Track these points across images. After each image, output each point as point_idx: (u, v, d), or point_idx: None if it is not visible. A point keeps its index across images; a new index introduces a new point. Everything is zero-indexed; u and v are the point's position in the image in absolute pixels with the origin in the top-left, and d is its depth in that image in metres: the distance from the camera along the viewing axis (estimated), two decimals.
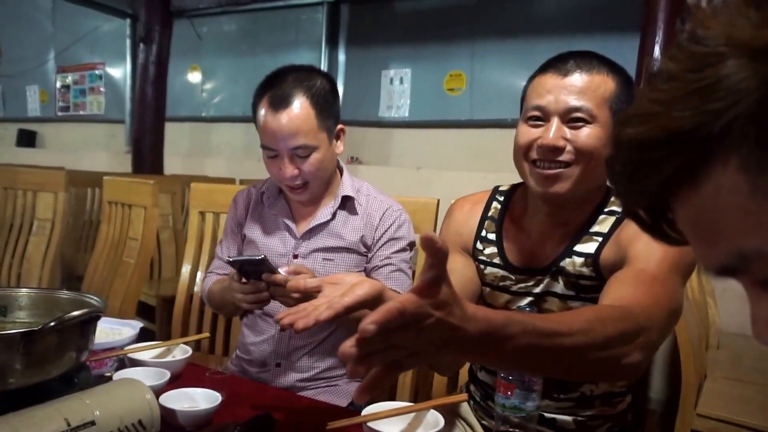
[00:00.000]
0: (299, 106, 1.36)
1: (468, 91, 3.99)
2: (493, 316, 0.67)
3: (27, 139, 6.08)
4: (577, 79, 1.05)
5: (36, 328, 0.83)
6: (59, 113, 5.97)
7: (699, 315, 2.28)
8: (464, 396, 1.13)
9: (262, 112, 1.38)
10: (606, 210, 1.12)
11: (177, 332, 2.02)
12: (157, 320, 3.01)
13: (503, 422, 0.92)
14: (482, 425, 1.25)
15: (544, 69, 1.09)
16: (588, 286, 1.09)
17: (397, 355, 0.62)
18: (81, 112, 5.83)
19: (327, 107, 1.40)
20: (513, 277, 1.16)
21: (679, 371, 1.91)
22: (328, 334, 1.49)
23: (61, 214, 2.68)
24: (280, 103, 1.35)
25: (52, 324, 0.84)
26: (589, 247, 1.10)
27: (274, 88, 1.37)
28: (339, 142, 1.47)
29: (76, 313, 0.87)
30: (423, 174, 3.97)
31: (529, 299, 1.15)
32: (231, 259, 1.16)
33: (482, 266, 1.22)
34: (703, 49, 0.40)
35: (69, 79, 5.82)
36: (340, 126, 1.47)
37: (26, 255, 2.69)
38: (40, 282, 2.55)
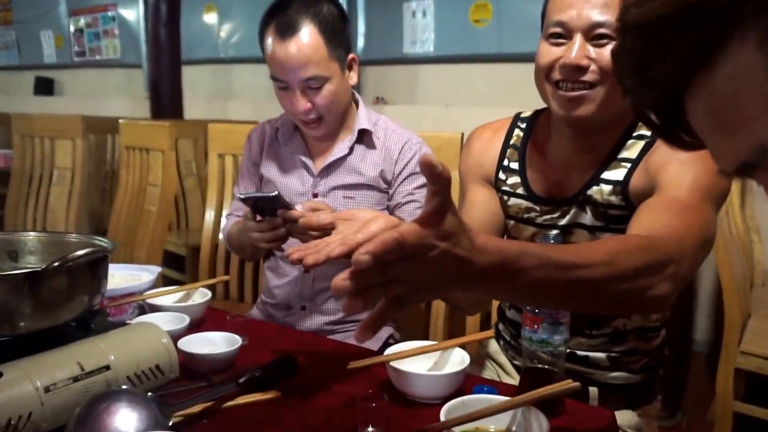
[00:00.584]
0: (307, 34, 1.31)
1: (495, 22, 3.84)
2: (505, 247, 0.63)
3: (45, 87, 6.10)
4: None
5: (39, 269, 0.82)
6: (75, 59, 5.95)
7: (743, 252, 2.21)
8: (490, 333, 1.11)
9: (268, 41, 1.33)
10: (635, 134, 1.06)
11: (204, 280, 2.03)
12: (187, 270, 3.03)
13: (531, 358, 0.89)
14: (513, 365, 1.23)
15: None
16: (617, 215, 1.05)
17: (398, 290, 0.59)
18: (97, 57, 5.81)
19: (336, 34, 1.35)
20: (538, 209, 1.13)
21: (723, 311, 1.87)
22: None
23: (81, 162, 2.68)
24: (287, 31, 1.30)
25: (56, 264, 0.83)
26: (617, 174, 1.05)
27: (280, 15, 1.32)
28: (352, 72, 1.43)
29: (79, 252, 0.86)
30: (451, 112, 3.88)
31: (555, 231, 1.11)
32: (243, 196, 1.14)
33: (505, 197, 1.18)
34: None
35: (82, 22, 5.77)
36: (351, 55, 1.42)
37: (49, 206, 2.72)
38: None
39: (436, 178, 0.57)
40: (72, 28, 5.87)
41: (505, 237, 1.22)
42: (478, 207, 1.20)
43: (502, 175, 1.19)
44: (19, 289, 0.82)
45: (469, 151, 1.25)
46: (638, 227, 0.90)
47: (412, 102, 4.23)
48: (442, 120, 3.87)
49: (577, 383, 0.82)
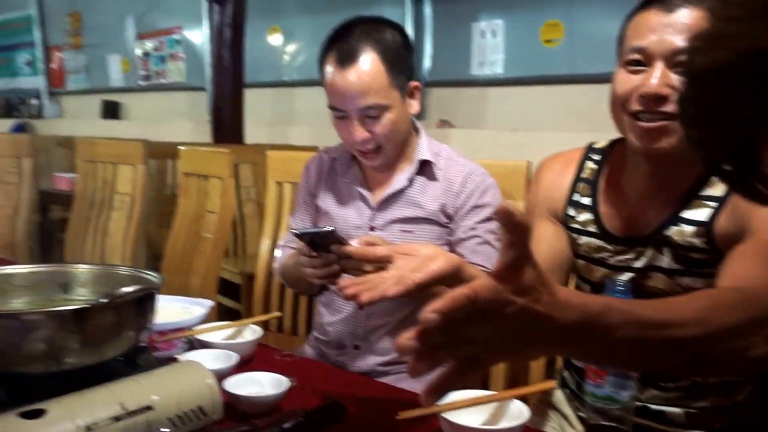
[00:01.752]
0: (369, 62, 1.32)
1: (567, 42, 3.80)
2: (589, 303, 0.60)
3: (111, 111, 6.39)
4: (685, 15, 0.95)
5: (87, 306, 0.85)
6: (140, 82, 6.22)
7: None
8: (552, 383, 1.08)
9: (328, 69, 1.35)
10: None
11: (258, 312, 2.06)
12: (242, 299, 3.09)
13: (596, 414, 0.86)
14: (578, 417, 1.19)
15: (645, 4, 1.00)
16: (700, 259, 1.00)
17: (471, 350, 0.56)
18: (162, 81, 6.05)
19: (398, 62, 1.35)
20: (611, 248, 1.09)
21: None
22: (408, 313, 1.46)
23: (141, 188, 2.78)
24: (347, 59, 1.32)
25: (105, 300, 0.85)
26: (700, 213, 1.00)
27: (341, 42, 1.34)
28: (413, 100, 1.43)
29: (127, 289, 0.88)
30: (519, 136, 3.84)
31: (627, 276, 1.07)
32: (298, 232, 1.15)
33: (575, 235, 1.15)
34: None
35: (149, 45, 6.04)
36: (414, 83, 1.42)
37: (108, 231, 2.83)
38: (122, 260, 2.66)
39: (514, 228, 0.54)
40: (139, 52, 6.14)
41: (576, 279, 1.19)
42: (546, 244, 1.18)
43: (572, 211, 1.16)
44: (66, 325, 0.85)
45: (538, 184, 1.23)
46: (729, 278, 0.85)
47: (478, 126, 4.22)
48: (509, 145, 3.84)
49: None
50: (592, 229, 1.13)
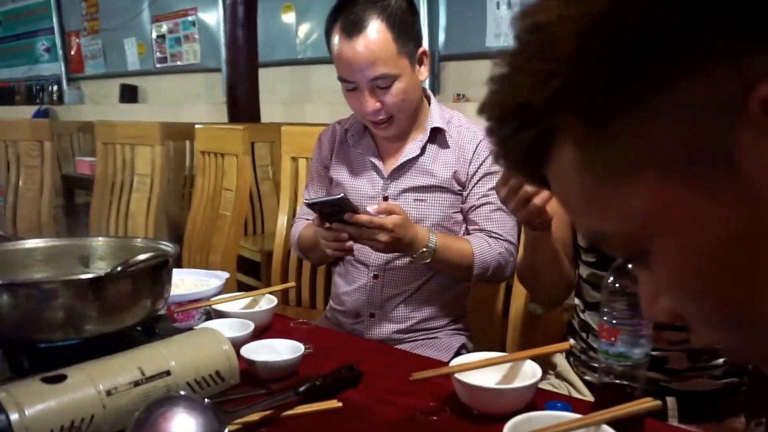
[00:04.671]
0: (375, 31, 1.32)
1: None
2: None
3: (129, 94, 6.42)
4: None
5: (102, 274, 0.87)
6: (157, 65, 6.24)
7: None
8: (566, 344, 1.08)
9: (335, 40, 1.35)
10: None
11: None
12: (262, 277, 3.12)
13: (607, 373, 0.86)
14: (584, 381, 1.19)
15: None
16: None
17: None
18: (178, 63, 6.07)
19: (406, 29, 1.35)
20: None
21: None
22: (424, 281, 1.47)
23: (159, 168, 2.81)
24: (353, 29, 1.32)
25: (119, 269, 0.87)
26: None
27: (346, 12, 1.33)
28: (422, 67, 1.42)
29: (142, 257, 0.90)
30: None
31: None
32: (309, 202, 1.16)
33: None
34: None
35: (164, 28, 6.05)
36: (422, 49, 1.41)
37: (129, 212, 2.87)
38: None
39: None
40: (154, 35, 6.16)
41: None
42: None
43: None
44: (83, 294, 0.87)
45: None
46: None
47: None
48: None
49: (658, 402, 0.78)
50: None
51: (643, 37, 0.36)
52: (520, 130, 0.42)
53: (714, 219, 0.37)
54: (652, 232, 0.39)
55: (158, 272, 0.96)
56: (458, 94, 4.30)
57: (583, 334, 1.21)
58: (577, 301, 1.26)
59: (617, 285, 0.85)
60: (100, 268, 1.10)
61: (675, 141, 0.36)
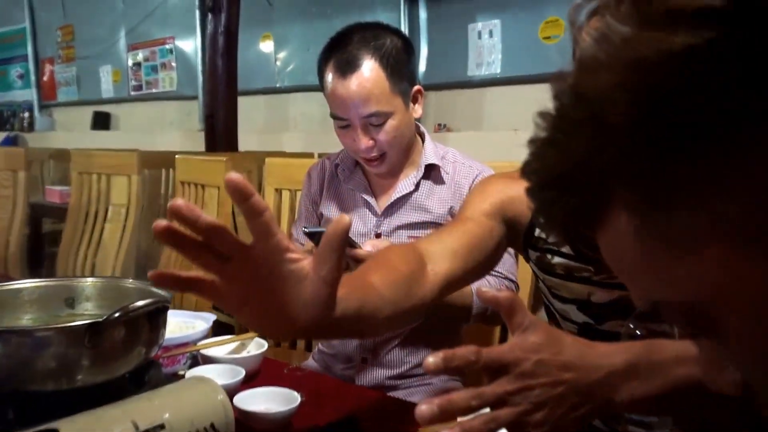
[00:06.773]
0: (369, 69, 1.31)
1: (567, 37, 3.82)
2: (632, 344, 0.61)
3: (102, 122, 6.37)
4: None
5: (100, 320, 0.83)
6: (132, 93, 6.21)
7: None
8: None
9: (328, 78, 1.34)
10: None
11: None
12: None
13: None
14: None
15: None
16: None
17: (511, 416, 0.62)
18: (153, 90, 6.04)
19: (399, 68, 1.35)
20: (591, 268, 1.00)
21: None
22: (418, 325, 1.44)
23: (135, 198, 2.77)
24: (347, 68, 1.31)
25: (117, 315, 0.84)
26: None
27: (339, 51, 1.33)
28: (417, 105, 1.43)
29: (140, 303, 0.87)
30: (521, 137, 3.82)
31: (620, 293, 0.96)
32: (307, 230, 1.14)
33: (548, 256, 1.05)
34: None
35: (140, 56, 6.04)
36: (417, 87, 1.41)
37: (102, 243, 2.81)
38: (113, 272, 2.64)
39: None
40: (130, 62, 6.14)
41: (545, 299, 1.14)
42: (470, 223, 1.06)
43: (540, 232, 1.06)
44: (79, 341, 0.84)
45: (488, 189, 1.14)
46: None
47: (478, 128, 4.21)
48: (512, 146, 3.80)
49: None
50: (565, 250, 1.03)
51: (708, 112, 0.33)
52: (570, 194, 0.41)
53: None
54: (720, 303, 0.37)
55: (155, 318, 0.93)
56: (439, 124, 4.33)
57: None
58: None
59: (638, 332, 0.83)
60: (86, 310, 1.06)
61: (745, 216, 0.34)
